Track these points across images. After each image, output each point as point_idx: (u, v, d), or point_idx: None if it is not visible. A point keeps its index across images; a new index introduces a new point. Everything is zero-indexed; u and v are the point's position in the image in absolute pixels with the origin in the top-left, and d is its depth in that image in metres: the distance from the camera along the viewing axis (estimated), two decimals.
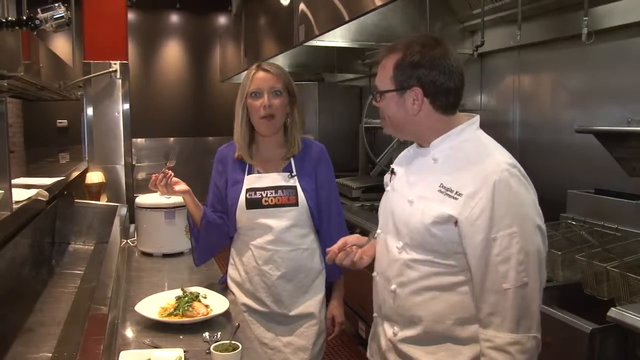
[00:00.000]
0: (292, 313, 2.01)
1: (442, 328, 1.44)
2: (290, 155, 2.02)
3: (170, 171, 1.95)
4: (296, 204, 1.98)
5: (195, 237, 2.08)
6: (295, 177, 2.00)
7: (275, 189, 1.99)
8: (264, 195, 1.99)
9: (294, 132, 2.01)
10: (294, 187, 1.99)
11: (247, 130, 1.99)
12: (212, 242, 2.10)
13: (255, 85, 1.95)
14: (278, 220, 1.98)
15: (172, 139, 8.74)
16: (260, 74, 1.95)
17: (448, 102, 1.45)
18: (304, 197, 1.98)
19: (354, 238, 1.65)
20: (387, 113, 1.50)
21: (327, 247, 1.98)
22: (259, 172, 2.02)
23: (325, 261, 2.04)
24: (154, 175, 1.95)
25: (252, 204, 1.99)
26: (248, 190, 2.00)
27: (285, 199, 1.98)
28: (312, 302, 2.03)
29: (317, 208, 2.02)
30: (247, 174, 2.02)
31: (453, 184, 1.40)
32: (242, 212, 2.00)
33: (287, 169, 2.01)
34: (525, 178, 1.40)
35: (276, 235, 1.98)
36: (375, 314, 1.63)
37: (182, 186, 1.97)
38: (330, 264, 1.64)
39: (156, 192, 2.00)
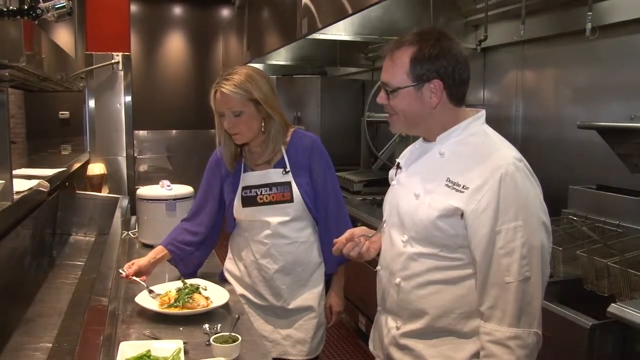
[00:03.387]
0: (291, 306, 2.01)
1: (446, 322, 1.44)
2: (278, 150, 1.99)
3: (125, 275, 1.95)
4: (291, 200, 1.97)
5: (175, 266, 2.14)
6: (290, 173, 1.99)
7: (270, 186, 1.98)
8: (259, 192, 1.99)
9: (273, 132, 1.97)
10: (288, 183, 1.98)
11: (228, 136, 1.98)
12: (190, 265, 2.14)
13: (216, 107, 1.95)
14: (275, 216, 1.98)
15: (174, 131, 8.73)
16: (218, 96, 1.92)
17: (463, 92, 1.46)
18: (298, 192, 1.98)
19: (361, 229, 1.64)
20: (401, 108, 1.46)
21: (324, 240, 2.00)
22: (252, 170, 2.02)
23: (323, 254, 2.05)
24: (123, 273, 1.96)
25: (247, 202, 2.00)
26: (244, 188, 2.01)
27: (279, 195, 1.98)
28: (311, 295, 2.03)
29: (314, 201, 2.01)
30: (243, 172, 2.03)
31: (460, 178, 1.39)
32: (238, 210, 2.01)
33: (281, 163, 2.00)
34: (532, 173, 1.40)
35: (273, 229, 1.98)
36: (379, 308, 1.63)
37: (136, 271, 1.96)
38: (337, 255, 1.62)
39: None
